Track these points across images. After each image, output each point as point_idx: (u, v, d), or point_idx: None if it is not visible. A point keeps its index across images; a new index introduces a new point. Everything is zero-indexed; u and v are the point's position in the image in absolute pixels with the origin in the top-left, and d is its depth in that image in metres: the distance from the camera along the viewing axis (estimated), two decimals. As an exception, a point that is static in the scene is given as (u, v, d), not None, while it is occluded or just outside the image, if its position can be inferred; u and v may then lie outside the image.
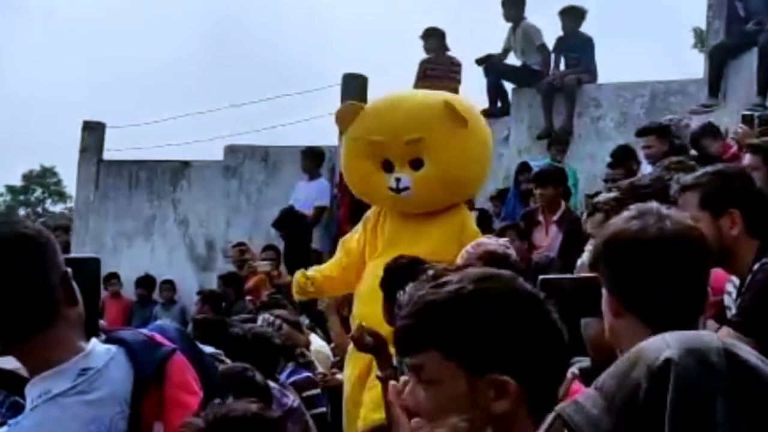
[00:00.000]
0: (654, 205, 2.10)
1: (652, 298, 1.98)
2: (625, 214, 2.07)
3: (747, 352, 1.31)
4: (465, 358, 1.51)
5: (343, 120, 5.40)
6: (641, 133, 7.58)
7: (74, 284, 1.96)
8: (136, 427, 1.91)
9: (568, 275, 2.60)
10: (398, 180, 5.15)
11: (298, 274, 5.36)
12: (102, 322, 2.28)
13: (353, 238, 5.41)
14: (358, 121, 5.32)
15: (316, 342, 6.07)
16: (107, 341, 2.02)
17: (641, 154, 7.67)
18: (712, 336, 1.34)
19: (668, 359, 1.26)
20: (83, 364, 1.93)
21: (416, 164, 5.19)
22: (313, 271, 5.41)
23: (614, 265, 2.03)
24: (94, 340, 1.99)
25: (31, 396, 1.92)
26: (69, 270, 1.96)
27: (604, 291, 2.07)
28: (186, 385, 2.00)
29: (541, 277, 2.51)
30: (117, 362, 1.96)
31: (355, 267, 5.30)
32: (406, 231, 5.18)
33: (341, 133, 5.50)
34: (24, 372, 2.02)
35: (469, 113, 5.29)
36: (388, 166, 5.24)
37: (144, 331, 2.08)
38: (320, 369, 5.14)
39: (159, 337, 2.05)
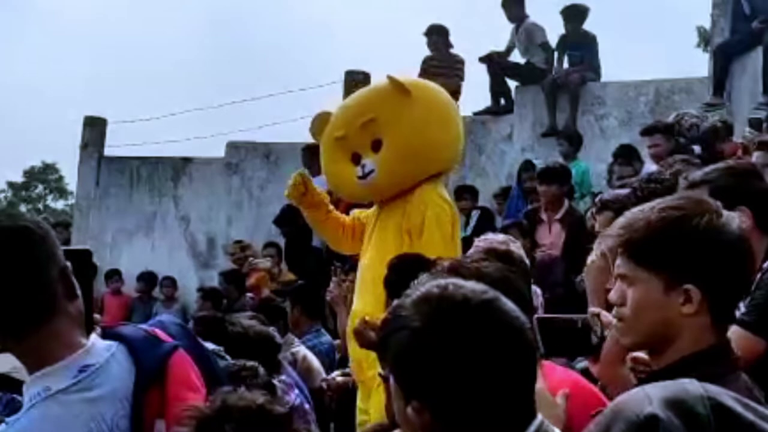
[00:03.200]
0: (698, 194, 2.07)
1: (735, 292, 2.00)
2: (688, 205, 1.99)
3: (730, 397, 1.28)
4: (399, 382, 1.64)
5: (317, 129, 5.43)
6: (647, 132, 7.54)
7: (73, 278, 1.92)
8: (138, 424, 1.87)
9: (567, 316, 2.51)
10: (363, 166, 5.15)
11: (297, 173, 5.40)
12: (96, 316, 2.23)
13: (362, 213, 5.41)
14: (328, 126, 5.38)
15: (302, 351, 6.03)
16: (107, 337, 1.98)
17: (645, 153, 7.64)
18: (694, 385, 1.30)
19: (652, 415, 1.23)
20: (84, 361, 1.89)
21: (377, 146, 5.18)
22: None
23: (713, 262, 1.95)
24: (94, 336, 1.95)
25: (30, 393, 1.87)
26: (68, 264, 1.92)
27: (664, 286, 1.97)
28: (188, 382, 1.96)
29: (537, 316, 2.43)
30: (118, 359, 1.92)
31: (346, 227, 5.36)
32: (388, 218, 5.16)
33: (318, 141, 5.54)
34: (19, 374, 1.98)
35: (413, 83, 5.31)
36: (357, 159, 5.25)
37: (145, 327, 2.04)
38: (291, 374, 5.08)
39: (160, 334, 2.01)
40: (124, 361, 1.92)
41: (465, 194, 9.22)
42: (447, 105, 5.44)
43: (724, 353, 1.96)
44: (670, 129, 7.42)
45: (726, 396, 1.28)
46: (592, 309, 2.42)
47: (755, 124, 6.59)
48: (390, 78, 5.20)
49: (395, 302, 1.69)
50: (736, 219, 1.98)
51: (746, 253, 1.96)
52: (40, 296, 1.86)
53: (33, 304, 1.86)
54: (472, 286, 1.65)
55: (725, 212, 1.98)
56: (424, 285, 1.69)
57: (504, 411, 1.59)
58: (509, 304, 1.63)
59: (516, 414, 1.61)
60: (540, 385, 2.34)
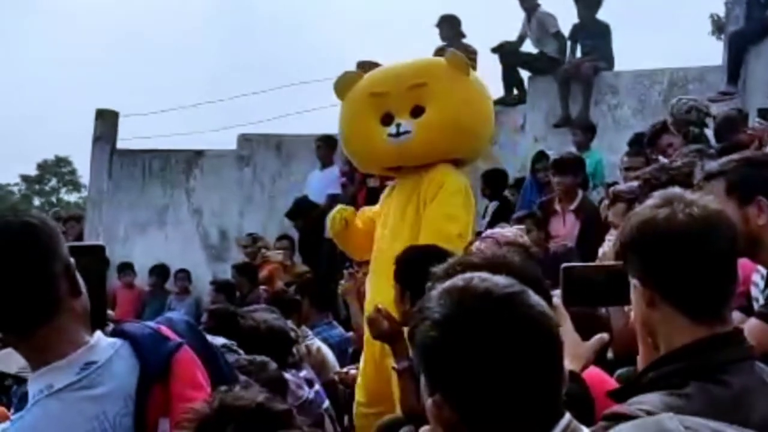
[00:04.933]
0: (678, 191, 2.03)
1: (688, 286, 1.92)
2: (650, 202, 2.01)
3: (710, 429, 1.24)
4: (424, 376, 1.60)
5: (343, 87, 5.42)
6: (656, 134, 7.39)
7: (78, 275, 1.90)
8: (141, 423, 1.85)
9: (593, 263, 2.45)
10: (398, 125, 5.16)
11: (335, 212, 5.42)
12: (110, 313, 2.22)
13: (371, 210, 5.49)
14: (358, 84, 5.39)
15: (315, 343, 6.02)
16: (112, 334, 1.96)
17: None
18: (673, 421, 1.28)
19: None
20: (87, 358, 1.87)
21: (417, 112, 5.20)
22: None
23: (647, 255, 1.96)
24: (98, 333, 1.93)
25: (33, 390, 1.86)
26: (73, 261, 1.91)
27: (634, 282, 2.00)
28: (193, 380, 1.93)
29: (564, 265, 2.40)
30: (122, 356, 1.90)
31: (368, 235, 5.35)
32: (402, 194, 5.21)
33: (341, 99, 5.53)
34: (27, 374, 1.96)
35: (472, 70, 5.41)
36: (388, 120, 5.25)
37: (151, 324, 2.02)
38: (309, 371, 5.07)
39: (166, 331, 1.99)
40: (128, 358, 1.91)
41: (488, 182, 9.22)
42: (491, 103, 5.59)
43: (730, 342, 1.94)
44: (666, 125, 7.35)
45: (706, 429, 1.25)
46: None
47: (765, 114, 6.51)
48: (455, 53, 5.37)
49: (425, 296, 1.66)
50: (689, 208, 1.93)
51: (689, 242, 1.91)
52: (43, 293, 1.85)
53: (36, 300, 1.85)
54: (497, 279, 1.60)
55: (680, 202, 1.95)
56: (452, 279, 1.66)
57: (527, 407, 1.53)
58: (534, 298, 1.58)
59: (540, 411, 1.55)
60: (567, 325, 2.28)
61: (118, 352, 1.90)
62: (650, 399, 1.82)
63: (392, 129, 5.16)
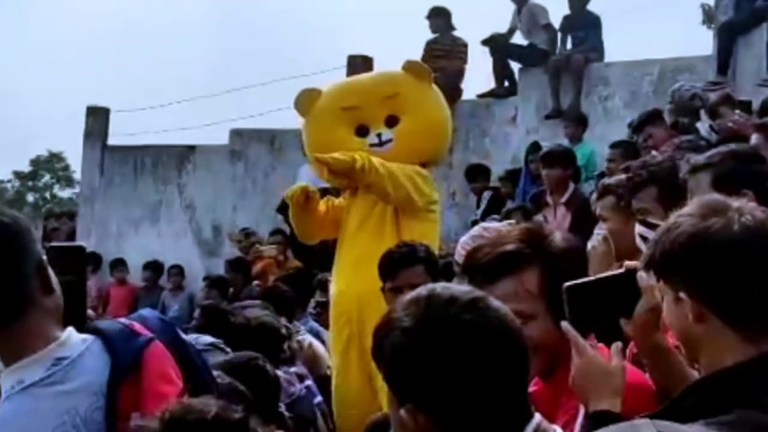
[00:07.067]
0: (720, 198, 1.92)
1: (743, 300, 1.81)
2: (694, 212, 1.87)
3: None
4: (392, 387, 1.64)
5: (305, 104, 5.49)
6: (639, 126, 7.41)
7: (51, 272, 1.92)
8: (113, 417, 1.87)
9: (596, 276, 2.21)
10: (379, 135, 5.28)
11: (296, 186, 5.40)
12: (90, 312, 2.24)
13: (335, 200, 5.51)
14: (321, 100, 5.45)
15: (307, 339, 6.03)
16: (86, 331, 1.98)
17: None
18: (648, 428, 1.31)
19: None
20: (57, 354, 1.89)
21: (391, 122, 5.33)
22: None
23: (701, 268, 1.83)
24: (69, 329, 1.94)
25: (5, 387, 1.88)
26: (44, 258, 1.93)
27: (677, 296, 1.86)
28: (164, 375, 1.95)
29: (566, 285, 2.10)
30: (93, 352, 1.92)
31: (330, 222, 5.40)
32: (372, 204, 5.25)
33: (304, 117, 5.59)
34: None
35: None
36: (363, 131, 5.35)
37: (123, 320, 2.04)
38: (300, 366, 5.08)
39: (138, 327, 2.00)
40: (99, 353, 1.92)
41: (478, 175, 9.25)
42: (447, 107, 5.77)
43: None
44: (658, 115, 7.36)
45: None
46: (628, 263, 2.25)
47: (745, 105, 6.54)
48: (414, 62, 5.58)
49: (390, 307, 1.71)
50: (733, 219, 1.82)
51: (747, 253, 1.80)
52: (15, 291, 1.87)
53: (9, 298, 1.87)
54: (459, 287, 1.68)
55: (732, 212, 1.84)
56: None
57: (497, 410, 1.59)
58: (497, 303, 1.65)
59: (510, 413, 1.60)
60: (592, 353, 2.02)
61: (90, 348, 1.92)
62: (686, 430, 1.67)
63: (373, 139, 5.28)
